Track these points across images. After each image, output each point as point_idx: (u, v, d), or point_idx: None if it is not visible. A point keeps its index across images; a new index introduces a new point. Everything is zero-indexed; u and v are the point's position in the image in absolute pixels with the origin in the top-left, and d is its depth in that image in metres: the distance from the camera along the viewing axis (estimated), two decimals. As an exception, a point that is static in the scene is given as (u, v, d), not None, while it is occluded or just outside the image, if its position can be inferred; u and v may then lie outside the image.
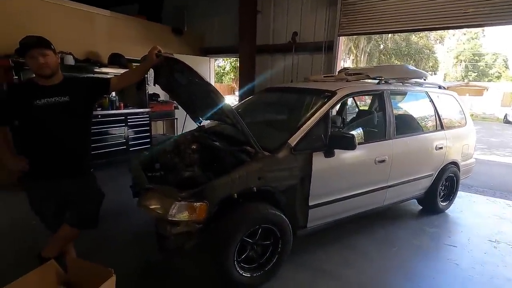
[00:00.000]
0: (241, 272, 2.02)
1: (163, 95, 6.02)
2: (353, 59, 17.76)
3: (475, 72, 29.52)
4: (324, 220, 2.46)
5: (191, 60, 6.53)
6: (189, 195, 1.86)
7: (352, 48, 16.51)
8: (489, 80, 28.45)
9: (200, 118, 3.01)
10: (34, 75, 1.78)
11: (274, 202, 2.16)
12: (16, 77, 3.59)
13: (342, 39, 5.23)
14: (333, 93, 2.51)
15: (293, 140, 2.18)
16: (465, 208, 3.76)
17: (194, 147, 2.97)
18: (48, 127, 1.74)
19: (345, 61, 16.47)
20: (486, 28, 20.13)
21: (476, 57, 29.14)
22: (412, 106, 3.38)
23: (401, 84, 3.21)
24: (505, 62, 29.31)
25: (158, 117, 5.89)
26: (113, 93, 4.73)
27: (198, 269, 2.30)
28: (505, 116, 18.12)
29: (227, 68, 22.42)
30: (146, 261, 2.45)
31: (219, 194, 1.91)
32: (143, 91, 5.21)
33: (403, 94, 3.29)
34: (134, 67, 4.93)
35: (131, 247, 2.64)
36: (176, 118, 6.18)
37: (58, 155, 1.80)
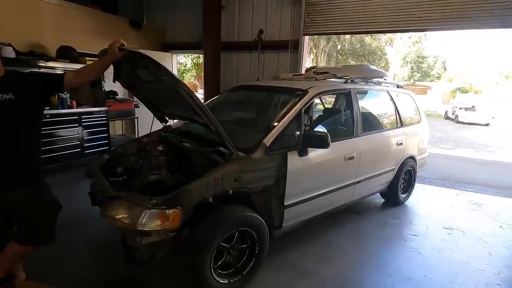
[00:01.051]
0: (218, 280, 1.93)
1: (121, 93, 5.61)
2: (313, 58, 18.36)
3: (419, 73, 32.41)
4: (299, 219, 2.47)
5: (151, 55, 6.13)
6: (161, 201, 1.71)
7: (312, 47, 17.04)
8: (431, 80, 31.46)
9: (166, 118, 2.83)
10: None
11: (249, 204, 2.10)
12: None
13: (307, 39, 5.32)
14: (305, 92, 2.51)
15: (268, 140, 2.13)
16: (421, 198, 4.07)
17: (161, 148, 2.80)
18: (-12, 130, 1.47)
19: (306, 60, 16.94)
20: (429, 33, 22.15)
21: (420, 59, 31.99)
22: (375, 104, 3.55)
23: (365, 83, 3.34)
24: (443, 64, 32.63)
25: (116, 117, 5.47)
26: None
27: (170, 280, 2.15)
28: (446, 112, 20.20)
29: (189, 64, 21.75)
30: (112, 275, 2.23)
31: (193, 198, 1.80)
32: (99, 88, 4.78)
33: (367, 92, 3.43)
34: (86, 61, 4.50)
35: (94, 260, 2.39)
36: (137, 117, 5.80)
37: (2, 162, 1.53)
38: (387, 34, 19.63)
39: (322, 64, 17.48)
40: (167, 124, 2.90)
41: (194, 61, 19.61)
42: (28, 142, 1.63)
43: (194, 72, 21.87)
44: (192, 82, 23.10)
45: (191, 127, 2.78)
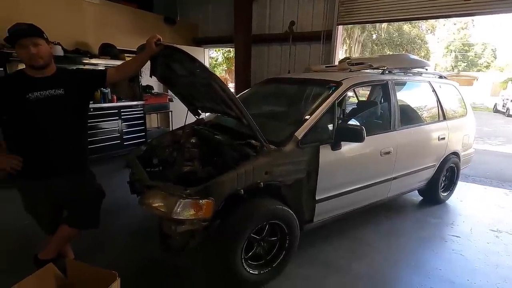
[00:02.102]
0: (248, 270, 1.97)
1: (156, 87, 5.85)
2: (346, 49, 17.67)
3: (464, 62, 29.84)
4: (330, 213, 2.42)
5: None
6: (195, 192, 1.77)
7: (346, 38, 16.39)
8: (478, 70, 28.83)
9: (199, 111, 2.90)
10: (24, 67, 1.64)
11: (280, 197, 2.10)
12: (1, 68, 3.39)
13: (341, 28, 5.12)
14: (339, 84, 2.43)
15: (300, 133, 2.10)
16: (465, 198, 3.78)
17: (194, 141, 2.87)
18: (42, 123, 1.62)
19: (339, 51, 16.36)
20: (477, 18, 20.26)
21: (466, 47, 29.41)
22: (415, 96, 3.33)
23: (403, 74, 3.15)
24: (493, 52, 29.70)
25: (152, 110, 5.72)
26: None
27: (202, 267, 2.23)
28: (495, 105, 18.42)
29: (220, 59, 22.06)
30: (148, 260, 2.37)
31: (225, 190, 1.83)
32: (136, 83, 5.03)
33: (406, 84, 3.23)
34: (125, 57, 4.74)
35: (131, 245, 2.55)
36: (171, 111, 6.02)
37: (53, 153, 1.67)
38: (429, 20, 18.29)
39: (355, 55, 16.76)
40: (200, 117, 2.97)
41: (225, 55, 19.84)
42: (77, 133, 1.77)
43: (225, 66, 22.15)
44: (223, 76, 23.44)
45: (223, 120, 2.82)
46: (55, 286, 1.65)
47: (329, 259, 2.39)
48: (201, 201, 1.76)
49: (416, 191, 3.44)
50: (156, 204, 1.83)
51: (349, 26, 10.10)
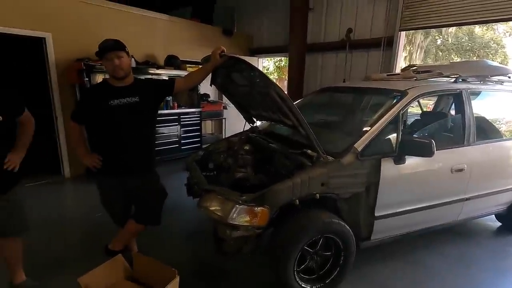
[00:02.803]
0: (300, 283, 1.92)
1: (213, 95, 6.15)
2: (405, 56, 16.51)
3: (554, 69, 25.56)
4: (390, 232, 2.24)
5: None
6: (251, 199, 1.80)
7: (406, 44, 15.33)
8: None
9: (254, 119, 2.97)
10: (107, 77, 1.88)
11: (335, 210, 2.02)
12: (87, 78, 3.91)
13: (404, 34, 4.81)
14: (404, 93, 2.26)
15: (360, 145, 2.00)
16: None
17: (247, 148, 2.94)
18: (120, 126, 1.82)
19: (400, 58, 15.39)
20: None
21: (557, 51, 25.18)
22: (495, 108, 2.94)
23: (480, 82, 2.81)
24: None
25: (207, 117, 6.03)
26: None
27: (253, 275, 2.24)
28: None
29: (271, 68, 22.41)
30: (202, 260, 2.46)
31: (280, 199, 1.82)
32: (195, 91, 5.36)
33: (484, 94, 2.87)
34: (187, 67, 5.10)
35: (186, 245, 2.68)
36: (225, 118, 6.27)
37: (128, 153, 1.87)
38: (508, 22, 16.16)
39: (417, 62, 15.56)
40: (254, 125, 3.03)
41: (277, 64, 20.10)
42: (147, 137, 1.96)
43: (276, 75, 22.43)
44: (274, 84, 23.69)
45: (276, 128, 2.83)
46: (122, 276, 1.81)
47: (384, 281, 2.22)
48: (256, 208, 1.78)
49: (494, 216, 3.01)
50: (213, 208, 1.90)
51: (410, 31, 9.44)
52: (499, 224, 3.14)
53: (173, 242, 2.70)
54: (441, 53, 18.57)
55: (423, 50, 16.00)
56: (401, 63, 5.18)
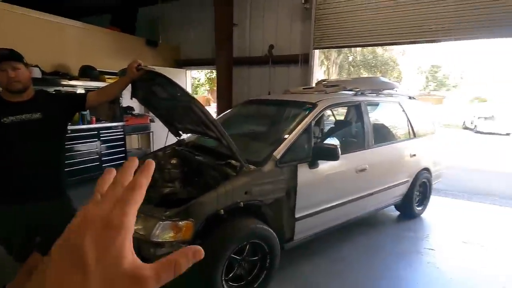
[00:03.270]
0: (229, 292, 1.95)
1: (138, 108, 5.83)
2: (325, 71, 18.46)
3: (434, 83, 31.80)
4: (310, 231, 2.46)
5: (167, 72, 6.34)
6: (174, 213, 1.78)
7: (324, 60, 17.17)
8: (447, 90, 30.77)
9: (180, 132, 2.94)
10: (0, 90, 1.64)
11: (260, 216, 2.13)
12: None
13: (317, 52, 5.40)
14: (314, 105, 2.56)
15: (278, 153, 2.18)
16: (438, 211, 3.95)
17: (174, 161, 2.89)
18: (18, 147, 1.60)
19: (317, 73, 17.10)
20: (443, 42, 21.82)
21: (435, 69, 31.46)
22: (387, 116, 3.54)
23: (375, 95, 3.36)
24: (460, 73, 31.95)
25: (133, 131, 5.68)
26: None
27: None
28: (464, 122, 19.62)
29: (202, 79, 22.33)
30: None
31: (205, 211, 1.85)
32: (117, 104, 5.00)
33: (378, 104, 3.43)
34: (106, 79, 4.75)
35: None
36: (152, 132, 5.99)
37: (28, 177, 1.64)
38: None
39: (334, 76, 17.53)
40: (181, 138, 3.00)
41: (208, 75, 20.16)
42: (54, 158, 1.75)
43: (207, 86, 22.42)
44: (206, 96, 23.64)
45: (203, 141, 2.86)
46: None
47: (309, 278, 2.41)
48: (180, 222, 1.76)
49: (393, 206, 3.57)
50: (135, 227, 1.81)
51: (325, 49, 10.61)
52: (398, 213, 3.73)
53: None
54: (352, 69, 21.33)
55: (337, 65, 18.12)
56: (319, 77, 5.77)
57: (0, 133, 1.56)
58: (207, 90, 22.56)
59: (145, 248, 1.81)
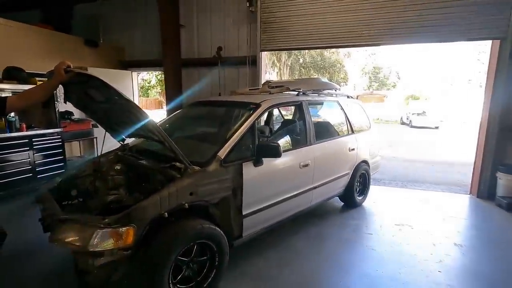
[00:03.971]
0: (178, 295, 1.94)
1: (78, 113, 5.40)
2: (277, 72, 19.03)
3: (376, 83, 34.77)
4: (258, 227, 2.55)
5: (110, 74, 6.04)
6: (114, 220, 1.71)
7: (275, 61, 17.70)
8: (388, 89, 33.88)
9: (123, 136, 2.81)
10: None
11: (207, 216, 2.15)
12: None
13: (265, 54, 5.57)
14: (258, 105, 2.66)
15: (223, 153, 2.22)
16: (377, 199, 4.35)
17: (118, 167, 2.76)
18: None
19: (270, 74, 17.55)
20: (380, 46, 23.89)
21: (376, 70, 34.40)
22: (327, 114, 3.81)
23: (316, 95, 3.59)
24: (397, 74, 35.42)
25: (73, 138, 5.25)
26: (12, 113, 4.03)
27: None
28: (401, 118, 21.82)
29: (153, 81, 21.45)
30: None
31: (148, 215, 1.81)
32: (52, 109, 4.59)
33: (319, 103, 3.68)
34: (37, 81, 4.32)
35: (46, 290, 2.27)
36: (96, 137, 5.60)
37: None
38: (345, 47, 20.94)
39: (285, 77, 18.15)
40: (125, 143, 2.88)
41: (159, 77, 19.40)
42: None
43: (159, 88, 21.58)
44: (158, 98, 22.74)
45: (148, 144, 2.79)
46: None
47: (261, 271, 2.50)
48: (121, 229, 1.71)
49: (337, 197, 3.85)
50: (70, 239, 1.71)
51: (273, 51, 10.95)
52: (342, 203, 4.03)
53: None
54: (303, 70, 22.28)
55: (288, 67, 18.79)
56: (272, 78, 5.95)
57: None
58: (159, 92, 21.73)
59: (83, 259, 1.72)
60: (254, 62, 5.41)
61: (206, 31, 5.79)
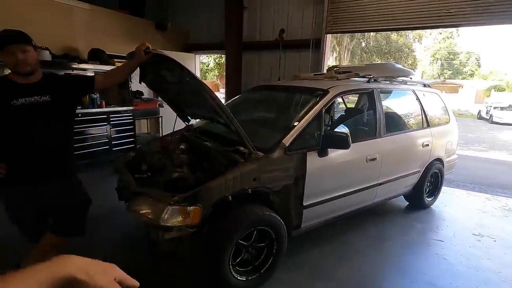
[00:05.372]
0: (236, 276, 1.98)
1: (147, 93, 5.83)
2: (336, 57, 18.02)
3: (450, 70, 30.78)
4: (318, 219, 2.45)
5: (175, 57, 6.30)
6: (182, 198, 1.78)
7: (336, 45, 16.73)
8: (463, 78, 29.78)
9: (189, 117, 2.92)
10: (9, 72, 1.64)
11: (268, 203, 2.13)
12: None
13: (329, 37, 5.24)
14: (326, 92, 2.49)
15: (287, 140, 2.14)
16: (449, 203, 3.89)
17: (183, 147, 2.88)
18: (27, 129, 1.61)
19: (328, 59, 16.73)
20: (461, 28, 20.98)
21: (451, 56, 30.37)
22: (400, 104, 3.43)
23: (389, 82, 3.25)
24: (477, 60, 30.78)
25: (142, 116, 5.69)
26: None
27: (191, 274, 2.22)
28: (479, 112, 19.04)
29: (211, 64, 22.14)
30: (136, 268, 2.34)
31: (213, 196, 1.85)
32: (126, 88, 5.00)
33: (391, 92, 3.33)
34: (115, 62, 4.73)
35: (119, 253, 2.53)
36: (161, 116, 6.00)
37: (39, 159, 1.66)
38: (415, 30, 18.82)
39: (345, 62, 17.11)
40: (190, 124, 2.99)
41: (217, 60, 19.94)
42: (62, 140, 1.76)
43: (216, 71, 22.24)
44: (215, 81, 23.50)
45: (212, 126, 2.84)
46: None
47: (317, 264, 2.42)
48: (189, 207, 1.77)
49: (402, 196, 3.52)
50: (144, 211, 1.83)
51: (338, 34, 10.31)
52: (407, 203, 3.68)
53: (105, 252, 2.51)
54: (365, 55, 20.74)
55: (349, 51, 17.64)
56: (331, 63, 5.63)
57: (10, 115, 1.57)
58: (216, 75, 22.40)
59: (154, 231, 1.84)
60: (317, 45, 5.12)
61: (269, 13, 5.64)
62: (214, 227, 1.90)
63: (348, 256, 2.57)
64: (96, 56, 4.67)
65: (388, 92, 3.25)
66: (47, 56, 3.96)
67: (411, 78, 3.57)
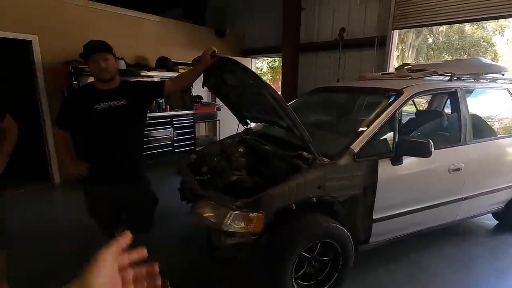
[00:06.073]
0: (298, 290, 1.85)
1: (206, 97, 6.07)
2: (398, 55, 16.64)
3: (542, 66, 26.09)
4: (389, 235, 2.20)
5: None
6: (245, 204, 1.73)
7: (398, 43, 15.46)
8: (561, 75, 24.95)
9: (248, 121, 2.90)
10: (93, 80, 1.79)
11: (332, 214, 1.96)
12: (75, 82, 3.80)
13: (397, 33, 4.79)
14: (400, 93, 2.22)
15: (356, 146, 1.95)
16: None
17: (242, 150, 2.88)
18: (107, 131, 1.73)
19: (394, 57, 15.53)
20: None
21: (544, 49, 25.68)
22: (490, 106, 2.93)
23: (475, 80, 2.80)
24: None
25: (201, 119, 5.95)
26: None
27: (249, 282, 2.17)
28: None
29: (264, 69, 22.40)
30: (194, 268, 2.38)
31: (276, 204, 1.76)
32: (188, 93, 5.28)
33: (479, 92, 2.85)
34: (179, 69, 5.01)
35: (178, 252, 2.60)
36: (218, 120, 6.19)
37: (116, 160, 1.78)
38: (498, 20, 16.38)
39: (409, 61, 15.69)
40: (248, 127, 2.97)
41: (270, 64, 20.08)
42: (136, 141, 1.87)
43: (269, 75, 22.42)
44: (268, 85, 23.67)
45: (270, 130, 2.78)
46: None
47: (385, 284, 2.17)
48: (251, 214, 1.71)
49: (491, 214, 2.99)
50: (207, 214, 1.83)
51: (403, 30, 9.49)
52: (495, 222, 3.12)
53: (166, 249, 2.61)
54: (432, 52, 18.76)
55: (415, 49, 16.15)
56: (394, 62, 5.16)
57: (92, 118, 1.70)
58: (269, 79, 22.57)
59: (216, 235, 1.83)
60: (382, 43, 4.73)
61: (328, 12, 5.41)
62: (276, 236, 1.81)
63: (423, 280, 2.24)
64: (163, 63, 5.01)
65: (474, 92, 2.80)
66: (122, 65, 4.37)
67: (503, 75, 3.03)
